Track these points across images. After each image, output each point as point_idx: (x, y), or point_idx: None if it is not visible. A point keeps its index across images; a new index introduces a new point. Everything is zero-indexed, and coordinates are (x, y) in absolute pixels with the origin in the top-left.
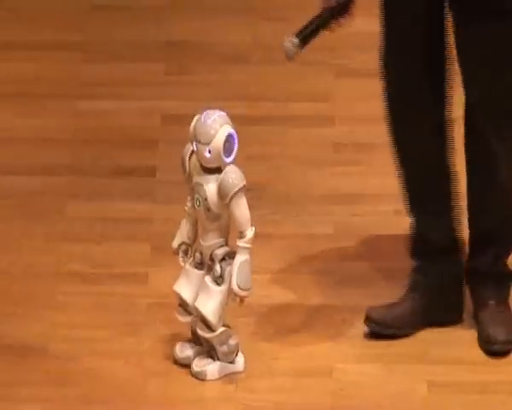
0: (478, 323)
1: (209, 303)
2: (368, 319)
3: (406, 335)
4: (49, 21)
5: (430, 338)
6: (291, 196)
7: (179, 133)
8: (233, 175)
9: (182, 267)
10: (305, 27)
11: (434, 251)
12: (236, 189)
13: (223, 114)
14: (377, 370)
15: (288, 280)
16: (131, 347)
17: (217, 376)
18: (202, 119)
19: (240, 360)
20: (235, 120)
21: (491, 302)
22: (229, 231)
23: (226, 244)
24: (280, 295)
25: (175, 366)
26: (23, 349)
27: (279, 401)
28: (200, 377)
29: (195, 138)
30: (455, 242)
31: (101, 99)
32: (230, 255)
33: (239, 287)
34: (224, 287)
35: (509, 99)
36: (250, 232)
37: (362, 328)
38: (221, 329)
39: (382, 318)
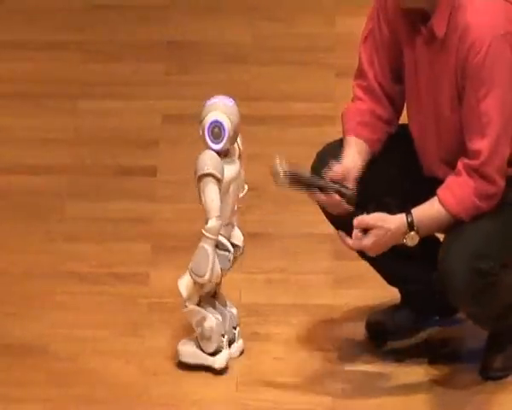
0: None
1: (185, 276)
2: (368, 325)
3: (407, 338)
4: (49, 21)
5: (431, 339)
6: (291, 195)
7: (179, 133)
8: (208, 161)
9: (181, 267)
10: (302, 176)
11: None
12: (203, 172)
13: (228, 104)
14: (378, 370)
15: (288, 280)
16: (132, 347)
17: (190, 360)
18: (208, 100)
19: (220, 357)
20: None
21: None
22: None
23: None
24: (280, 295)
25: (175, 366)
26: (23, 349)
27: (279, 401)
28: (177, 355)
29: None
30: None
31: (101, 99)
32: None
33: (191, 270)
34: None
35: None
36: (212, 221)
37: (362, 328)
38: (191, 306)
39: (383, 325)
